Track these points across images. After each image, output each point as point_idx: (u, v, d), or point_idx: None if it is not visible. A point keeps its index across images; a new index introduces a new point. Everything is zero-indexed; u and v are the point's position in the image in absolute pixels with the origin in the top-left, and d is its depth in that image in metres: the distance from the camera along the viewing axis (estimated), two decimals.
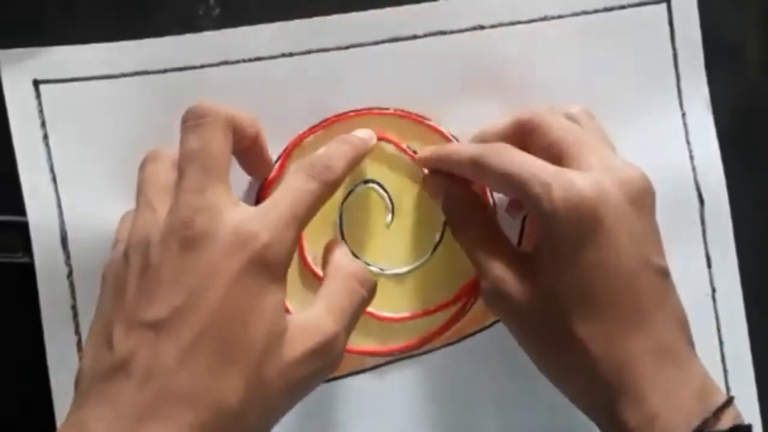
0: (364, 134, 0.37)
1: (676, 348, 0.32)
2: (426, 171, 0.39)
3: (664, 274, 0.33)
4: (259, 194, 0.39)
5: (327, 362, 0.31)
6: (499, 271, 0.34)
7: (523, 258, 0.34)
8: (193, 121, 0.32)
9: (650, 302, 0.32)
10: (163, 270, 0.29)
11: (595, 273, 0.31)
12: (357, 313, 0.33)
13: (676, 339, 0.32)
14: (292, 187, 0.32)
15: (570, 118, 0.36)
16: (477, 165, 0.35)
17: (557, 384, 0.34)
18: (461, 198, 0.38)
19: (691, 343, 0.33)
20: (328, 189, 0.33)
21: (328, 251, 0.35)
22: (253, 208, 0.31)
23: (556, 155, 0.34)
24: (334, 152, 0.34)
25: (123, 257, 0.31)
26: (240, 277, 0.29)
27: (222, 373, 0.28)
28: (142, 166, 0.34)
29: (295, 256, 0.40)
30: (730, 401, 0.31)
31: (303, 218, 0.31)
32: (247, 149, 0.35)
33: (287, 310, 0.31)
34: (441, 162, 0.38)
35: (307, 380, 0.30)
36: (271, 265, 0.30)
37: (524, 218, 0.40)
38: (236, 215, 0.30)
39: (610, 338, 0.31)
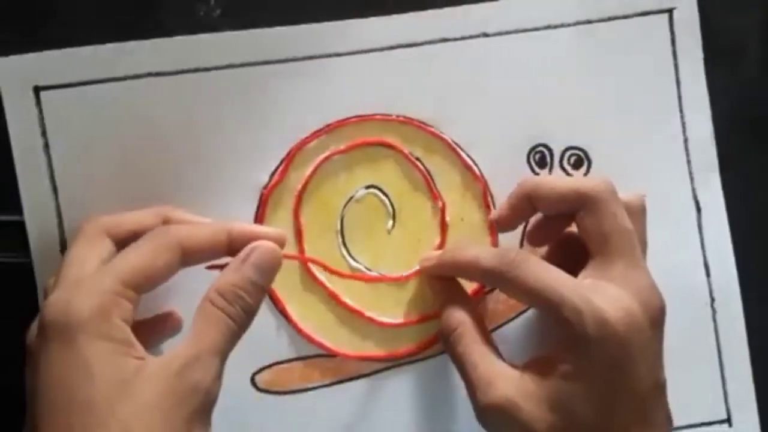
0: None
1: None
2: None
3: (664, 386, 0.34)
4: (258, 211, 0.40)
5: None
6: (507, 389, 0.33)
7: (525, 372, 0.34)
8: None
9: (654, 416, 0.33)
10: None
11: (615, 393, 0.32)
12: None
13: None
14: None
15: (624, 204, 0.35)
16: (497, 278, 0.35)
17: None
18: (459, 306, 0.37)
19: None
20: None
21: None
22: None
23: (592, 242, 0.35)
24: None
25: None
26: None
27: None
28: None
29: (297, 261, 0.40)
30: None
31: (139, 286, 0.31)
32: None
33: None
34: (454, 271, 0.38)
35: None
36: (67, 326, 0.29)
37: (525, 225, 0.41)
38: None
39: None
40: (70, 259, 0.33)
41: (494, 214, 0.39)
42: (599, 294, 0.33)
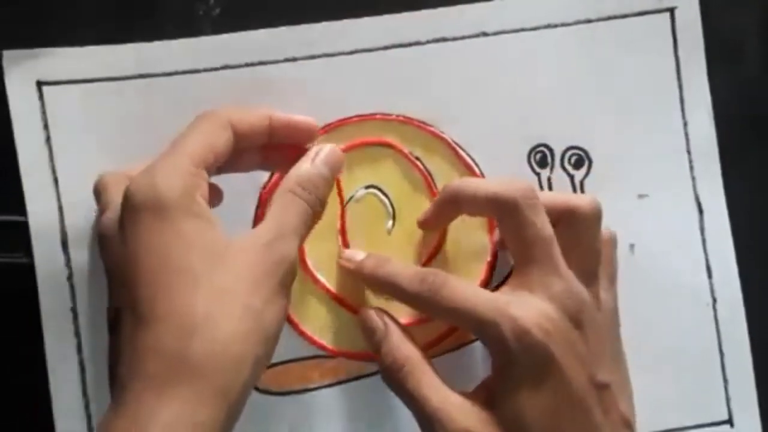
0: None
1: None
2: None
3: (606, 386, 0.34)
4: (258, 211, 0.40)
5: None
6: (465, 420, 0.33)
7: (476, 398, 0.34)
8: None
9: (599, 415, 0.33)
10: None
11: (554, 399, 0.33)
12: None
13: None
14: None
15: (571, 210, 0.36)
16: (421, 302, 0.35)
17: None
18: (399, 341, 0.36)
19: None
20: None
21: None
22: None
23: (511, 249, 0.35)
24: None
25: None
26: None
27: None
28: None
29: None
30: None
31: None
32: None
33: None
34: (372, 285, 0.38)
35: None
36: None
37: None
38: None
39: None
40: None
41: (421, 215, 0.39)
42: (515, 304, 0.33)
